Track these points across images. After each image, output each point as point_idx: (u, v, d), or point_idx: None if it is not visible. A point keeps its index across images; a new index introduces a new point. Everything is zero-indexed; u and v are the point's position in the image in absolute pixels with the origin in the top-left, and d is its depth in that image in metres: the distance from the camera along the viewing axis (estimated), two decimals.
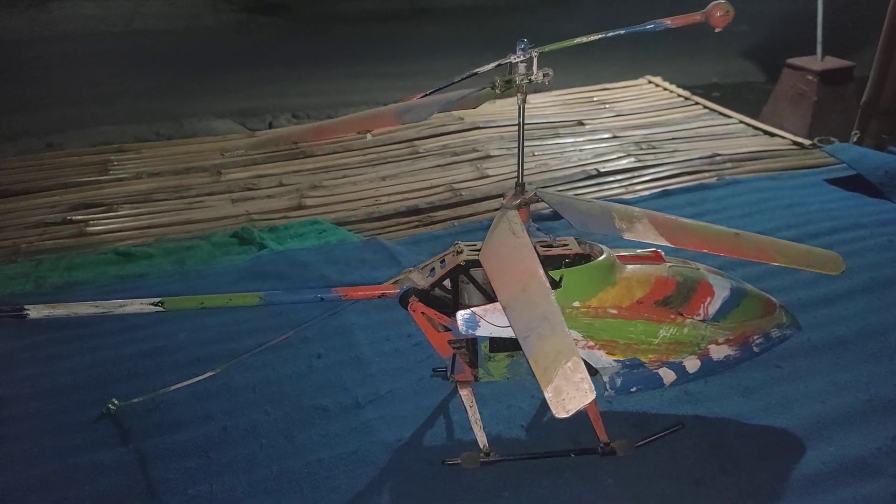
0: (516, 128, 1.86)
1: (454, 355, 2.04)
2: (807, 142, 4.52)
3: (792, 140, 4.59)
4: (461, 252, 2.01)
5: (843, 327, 2.64)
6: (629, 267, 2.01)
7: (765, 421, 2.19)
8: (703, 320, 2.01)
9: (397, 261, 3.21)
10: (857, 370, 2.40)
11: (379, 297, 2.07)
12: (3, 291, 3.03)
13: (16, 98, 6.97)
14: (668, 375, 2.02)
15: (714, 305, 2.02)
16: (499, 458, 2.04)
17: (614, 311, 1.94)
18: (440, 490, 1.98)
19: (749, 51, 7.82)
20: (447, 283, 2.04)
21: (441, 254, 2.10)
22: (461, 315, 1.91)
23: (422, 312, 1.99)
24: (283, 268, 3.21)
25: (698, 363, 2.02)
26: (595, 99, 5.44)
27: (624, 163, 4.31)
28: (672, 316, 1.98)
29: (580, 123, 4.96)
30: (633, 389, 2.02)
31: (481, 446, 2.04)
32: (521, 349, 2.03)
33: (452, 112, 5.20)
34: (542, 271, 1.60)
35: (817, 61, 5.46)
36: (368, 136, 1.88)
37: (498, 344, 2.02)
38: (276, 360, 2.58)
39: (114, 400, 2.33)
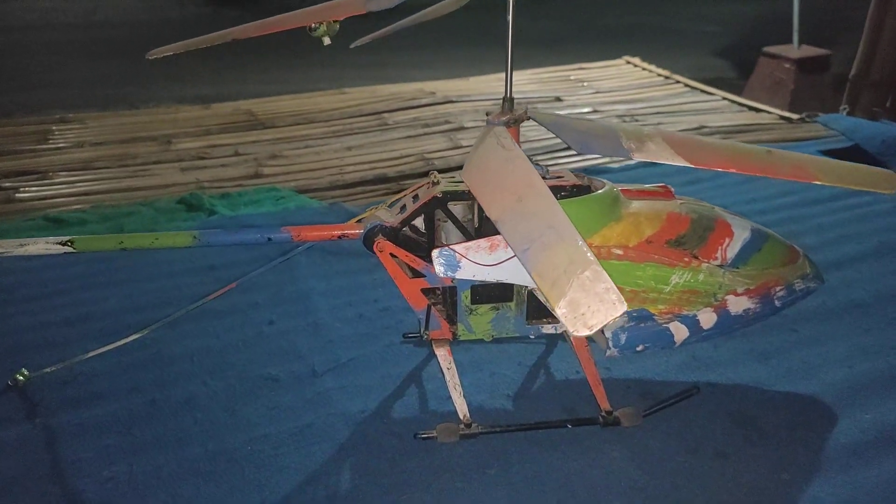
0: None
1: (429, 308, 1.71)
2: (795, 116, 4.31)
3: (779, 115, 4.38)
4: (438, 183, 1.69)
5: (859, 291, 2.38)
6: (636, 202, 1.71)
7: (787, 388, 1.91)
8: (721, 266, 1.71)
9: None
10: (882, 334, 2.14)
11: (339, 237, 1.74)
12: None
13: None
14: (679, 331, 1.71)
15: (733, 248, 1.73)
16: (482, 430, 1.71)
17: (619, 252, 1.64)
18: (412, 467, 1.64)
19: (720, 50, 7.72)
20: (421, 221, 1.72)
21: (413, 186, 1.77)
22: (438, 253, 1.58)
23: (390, 254, 1.66)
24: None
25: (714, 317, 1.72)
26: (572, 77, 5.18)
27: None
28: (686, 259, 1.68)
29: (558, 99, 4.68)
30: (640, 348, 1.71)
31: (461, 416, 1.71)
32: (508, 300, 1.73)
33: (424, 87, 4.93)
34: (542, 181, 1.28)
35: (794, 49, 5.33)
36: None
37: (481, 293, 1.70)
38: (219, 328, 2.22)
39: (23, 370, 1.94)
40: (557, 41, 7.31)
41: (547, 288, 1.07)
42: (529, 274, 1.11)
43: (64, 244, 1.64)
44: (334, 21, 1.53)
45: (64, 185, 3.47)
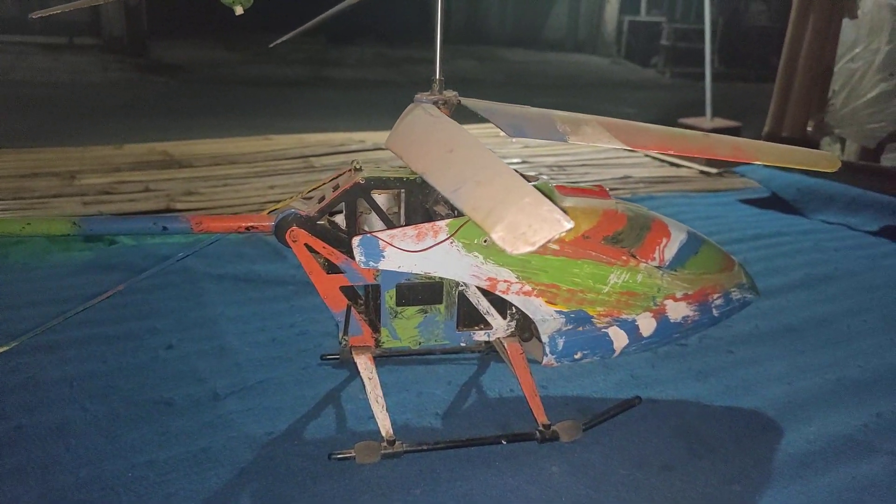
0: None
1: (349, 309, 1.53)
2: (713, 170, 4.46)
3: (699, 169, 4.52)
4: (360, 169, 1.55)
5: (790, 317, 2.36)
6: (571, 198, 1.62)
7: (728, 403, 1.81)
8: (659, 267, 1.63)
9: (282, 256, 2.69)
10: (816, 354, 2.10)
11: (247, 229, 1.55)
12: None
13: None
14: (619, 337, 1.60)
15: (671, 249, 1.65)
16: (407, 449, 1.52)
17: (556, 247, 1.53)
18: (324, 490, 1.42)
19: None
20: (341, 218, 1.56)
21: (333, 175, 1.63)
22: (359, 241, 1.42)
23: (305, 244, 1.49)
24: (137, 260, 2.60)
25: (654, 323, 1.62)
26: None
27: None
28: (624, 257, 1.58)
29: None
30: (578, 355, 1.58)
31: (383, 434, 1.51)
32: (437, 302, 1.58)
33: (352, 136, 4.87)
34: (475, 138, 1.17)
35: (707, 121, 5.64)
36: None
37: (408, 294, 1.54)
38: (108, 352, 1.95)
39: None
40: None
41: (481, 217, 0.93)
42: (462, 209, 0.97)
43: None
44: None
45: None
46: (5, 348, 1.68)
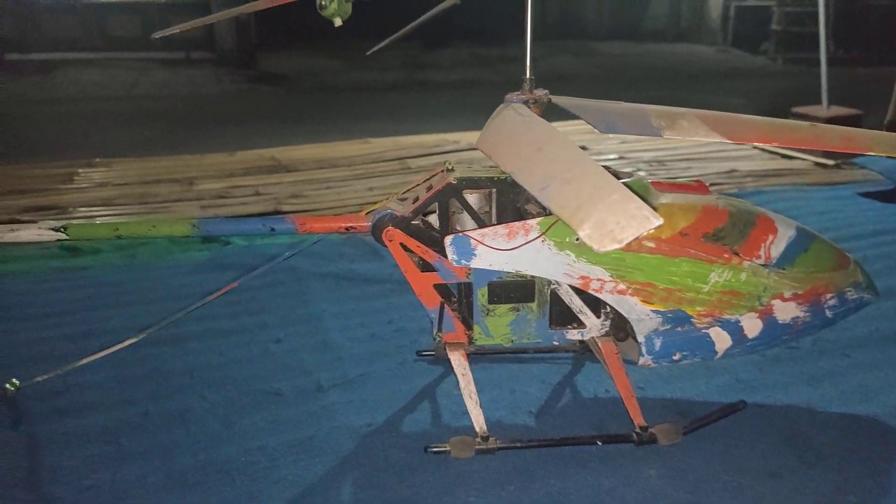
0: None
1: (442, 306, 1.57)
2: (830, 162, 4.18)
3: (814, 161, 4.25)
4: (452, 170, 1.58)
5: None
6: (668, 194, 1.58)
7: (843, 410, 1.70)
8: (765, 265, 1.56)
9: (380, 255, 2.77)
10: None
11: (346, 230, 1.63)
12: None
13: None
14: (721, 339, 1.55)
15: (778, 247, 1.58)
16: (501, 445, 1.54)
17: (651, 245, 1.50)
18: (420, 481, 1.46)
19: None
20: (434, 218, 1.60)
21: (426, 176, 1.67)
22: (451, 240, 1.46)
23: (401, 244, 1.54)
24: (248, 260, 2.76)
25: (759, 324, 1.56)
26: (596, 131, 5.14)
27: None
28: (726, 255, 1.53)
29: (583, 148, 4.63)
30: (677, 356, 1.54)
31: (477, 429, 1.54)
32: (529, 300, 1.59)
33: (447, 137, 4.94)
34: (565, 137, 1.17)
35: (823, 110, 5.27)
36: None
37: (499, 292, 1.56)
38: (224, 345, 2.09)
39: (13, 380, 1.82)
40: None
41: (569, 215, 0.94)
42: (549, 207, 0.97)
43: (57, 230, 1.56)
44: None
45: (82, 219, 3.45)
46: (133, 340, 1.84)
